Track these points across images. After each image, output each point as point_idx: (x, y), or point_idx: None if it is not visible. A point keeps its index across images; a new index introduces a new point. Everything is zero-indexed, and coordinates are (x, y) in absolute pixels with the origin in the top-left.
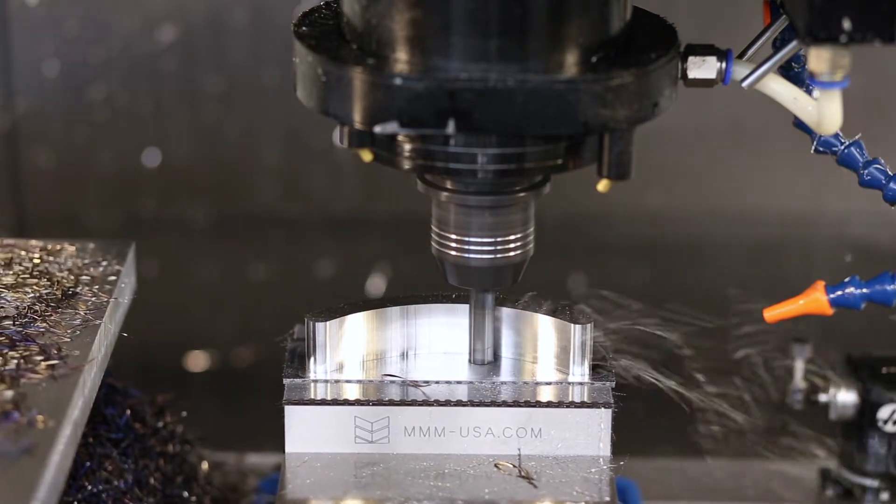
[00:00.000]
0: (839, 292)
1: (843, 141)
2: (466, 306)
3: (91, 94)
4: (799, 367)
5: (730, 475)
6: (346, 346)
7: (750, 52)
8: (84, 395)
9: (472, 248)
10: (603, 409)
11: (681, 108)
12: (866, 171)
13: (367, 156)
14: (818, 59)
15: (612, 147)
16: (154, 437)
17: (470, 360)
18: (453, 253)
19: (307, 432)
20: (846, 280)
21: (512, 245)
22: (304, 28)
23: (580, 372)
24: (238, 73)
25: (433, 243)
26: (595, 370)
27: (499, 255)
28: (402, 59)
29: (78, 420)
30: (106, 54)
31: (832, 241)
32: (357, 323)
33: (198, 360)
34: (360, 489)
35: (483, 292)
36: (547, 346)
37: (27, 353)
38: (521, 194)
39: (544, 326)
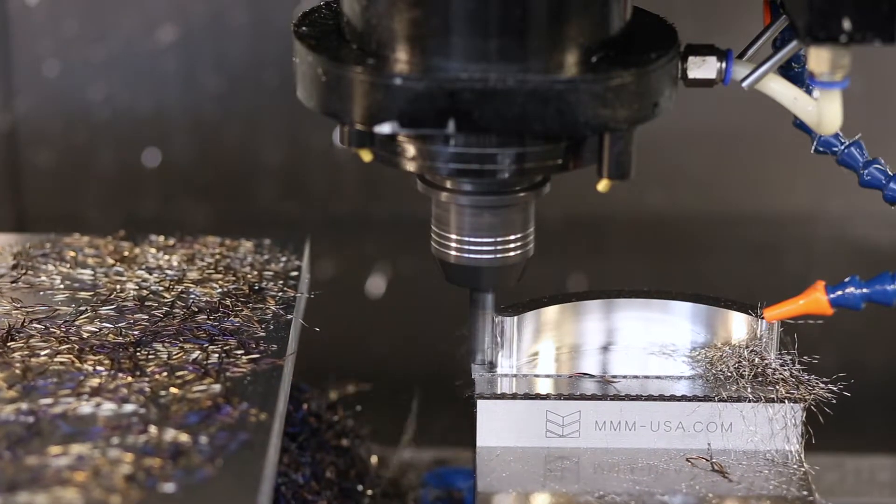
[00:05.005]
0: (839, 292)
1: (843, 141)
2: (661, 301)
3: (91, 94)
4: None
5: (890, 470)
6: (536, 341)
7: (750, 52)
8: (285, 390)
9: (472, 248)
10: (793, 403)
11: (681, 109)
12: (866, 171)
13: (367, 156)
14: (818, 59)
15: (613, 147)
16: (329, 432)
17: (472, 361)
18: (453, 253)
19: (498, 426)
20: (846, 280)
21: (512, 245)
22: (304, 28)
23: (768, 367)
24: (238, 73)
25: (433, 243)
26: (782, 366)
27: (499, 256)
28: (402, 59)
29: (283, 413)
30: (106, 54)
31: (832, 241)
32: (546, 317)
33: None
34: (555, 482)
35: (483, 292)
36: (735, 342)
37: (227, 347)
38: (521, 194)
39: (731, 321)
